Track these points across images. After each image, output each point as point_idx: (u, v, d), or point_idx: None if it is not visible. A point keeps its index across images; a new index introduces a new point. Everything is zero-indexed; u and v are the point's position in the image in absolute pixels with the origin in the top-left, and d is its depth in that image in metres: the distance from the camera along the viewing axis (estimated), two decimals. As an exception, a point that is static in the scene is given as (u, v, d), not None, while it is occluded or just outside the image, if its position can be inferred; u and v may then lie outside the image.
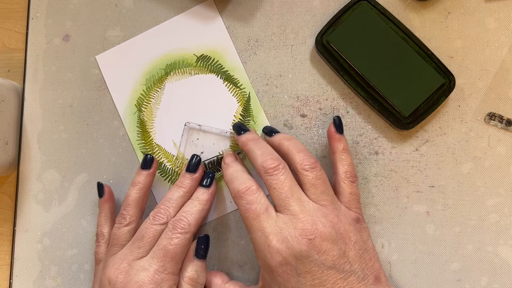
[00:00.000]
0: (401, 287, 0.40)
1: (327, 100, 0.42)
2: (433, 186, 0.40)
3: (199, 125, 0.42)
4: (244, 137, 0.39)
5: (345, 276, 0.32)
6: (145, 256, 0.36)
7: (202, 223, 0.41)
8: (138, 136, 0.44)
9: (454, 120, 0.40)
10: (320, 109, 0.42)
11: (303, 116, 0.42)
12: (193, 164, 0.40)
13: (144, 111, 0.44)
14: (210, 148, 0.42)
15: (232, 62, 0.43)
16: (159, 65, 0.44)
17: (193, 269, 0.37)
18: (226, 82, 0.43)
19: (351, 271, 0.33)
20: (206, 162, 0.42)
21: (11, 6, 0.47)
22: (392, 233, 0.40)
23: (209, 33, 0.43)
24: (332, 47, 0.40)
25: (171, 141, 0.43)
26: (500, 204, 0.39)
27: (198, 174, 0.39)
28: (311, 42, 0.42)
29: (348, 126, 0.41)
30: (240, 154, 0.42)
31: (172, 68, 0.44)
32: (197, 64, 0.43)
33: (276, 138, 0.38)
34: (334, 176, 0.38)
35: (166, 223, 0.37)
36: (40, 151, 0.45)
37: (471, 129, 0.40)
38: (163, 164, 0.43)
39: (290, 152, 0.36)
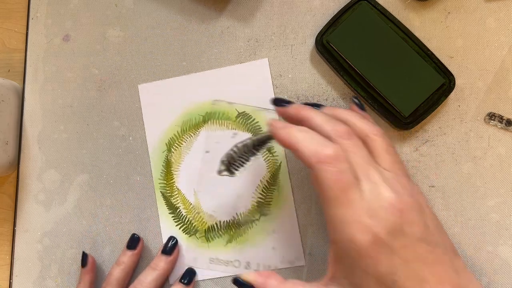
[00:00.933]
0: (401, 287, 0.40)
1: (327, 100, 0.42)
2: (433, 186, 0.40)
3: (229, 102, 0.40)
4: (296, 105, 0.34)
5: (433, 249, 0.29)
6: None
7: None
8: (161, 176, 0.43)
9: (454, 120, 0.40)
10: (320, 109, 0.42)
11: (303, 116, 0.42)
12: (170, 247, 0.40)
13: (173, 153, 0.43)
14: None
15: None
16: (198, 111, 0.43)
17: None
18: None
19: (436, 242, 0.30)
20: (239, 145, 0.37)
21: (11, 6, 0.47)
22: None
23: (255, 92, 0.42)
24: (332, 47, 0.40)
25: (192, 188, 0.42)
26: (500, 204, 0.39)
27: (173, 257, 0.40)
28: (311, 42, 0.42)
29: (348, 126, 0.41)
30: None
31: (210, 117, 0.43)
32: (236, 120, 0.42)
33: (328, 109, 0.35)
34: None
35: None
36: (40, 151, 0.45)
37: (471, 129, 0.40)
38: (178, 210, 0.42)
39: (350, 120, 0.33)
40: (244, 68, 0.43)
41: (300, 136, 0.31)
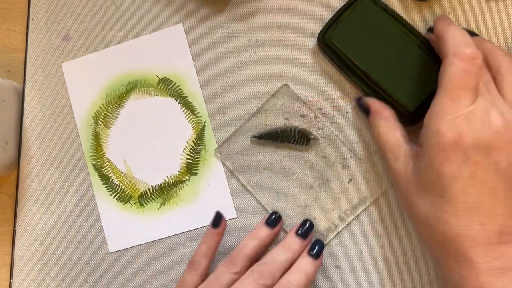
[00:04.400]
0: None
1: (327, 100, 0.42)
2: (433, 186, 0.40)
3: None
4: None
5: (507, 189, 0.29)
6: None
7: None
8: (91, 149, 0.44)
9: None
10: (320, 109, 0.42)
11: (303, 116, 0.42)
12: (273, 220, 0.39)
13: (100, 125, 0.44)
14: None
15: (192, 88, 0.43)
16: (121, 81, 0.44)
17: None
18: (184, 108, 0.43)
19: None
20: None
21: (11, 6, 0.47)
22: (392, 233, 0.40)
23: (174, 57, 0.44)
24: (334, 45, 0.40)
25: (122, 157, 0.43)
26: (500, 204, 0.39)
27: (276, 229, 0.39)
28: (311, 41, 0.42)
29: (348, 126, 0.41)
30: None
31: (133, 86, 0.44)
32: (158, 86, 0.44)
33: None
34: None
35: (266, 286, 0.34)
36: (40, 151, 0.45)
37: (471, 129, 0.40)
38: (110, 179, 0.43)
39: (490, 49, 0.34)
40: (160, 35, 0.44)
41: (453, 29, 0.33)
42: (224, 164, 0.42)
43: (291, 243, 0.37)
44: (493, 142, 0.29)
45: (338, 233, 0.40)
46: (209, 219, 0.40)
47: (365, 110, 0.39)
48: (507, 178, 0.29)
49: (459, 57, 0.31)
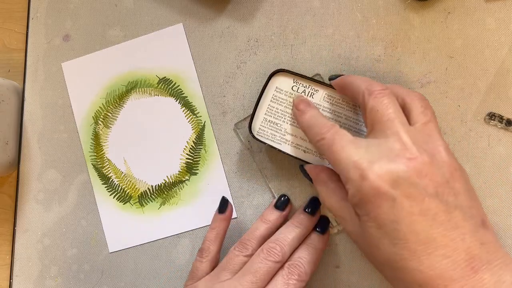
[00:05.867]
0: None
1: (327, 100, 0.42)
2: (433, 186, 0.40)
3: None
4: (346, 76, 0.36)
5: (449, 209, 0.27)
6: None
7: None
8: (91, 148, 0.44)
9: (454, 120, 0.40)
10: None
11: (303, 116, 0.42)
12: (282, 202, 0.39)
13: (100, 125, 0.44)
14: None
15: (193, 89, 0.43)
16: (121, 81, 0.44)
17: None
18: (184, 108, 0.43)
19: (456, 204, 0.28)
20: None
21: (11, 6, 0.47)
22: (392, 233, 0.40)
23: (174, 57, 0.44)
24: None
25: (122, 157, 0.44)
26: (500, 204, 0.39)
27: (286, 212, 0.39)
28: (311, 42, 0.42)
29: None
30: None
31: (133, 86, 0.44)
32: (158, 86, 0.44)
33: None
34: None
35: (276, 262, 0.35)
36: (40, 151, 0.45)
37: (471, 129, 0.40)
38: (110, 180, 0.43)
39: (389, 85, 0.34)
40: (160, 35, 0.44)
41: (308, 121, 0.35)
42: (241, 141, 0.42)
43: (300, 220, 0.37)
44: (409, 169, 0.28)
45: (338, 231, 0.40)
46: (209, 219, 0.40)
47: (309, 178, 0.37)
48: (442, 199, 0.28)
49: (320, 139, 0.32)
